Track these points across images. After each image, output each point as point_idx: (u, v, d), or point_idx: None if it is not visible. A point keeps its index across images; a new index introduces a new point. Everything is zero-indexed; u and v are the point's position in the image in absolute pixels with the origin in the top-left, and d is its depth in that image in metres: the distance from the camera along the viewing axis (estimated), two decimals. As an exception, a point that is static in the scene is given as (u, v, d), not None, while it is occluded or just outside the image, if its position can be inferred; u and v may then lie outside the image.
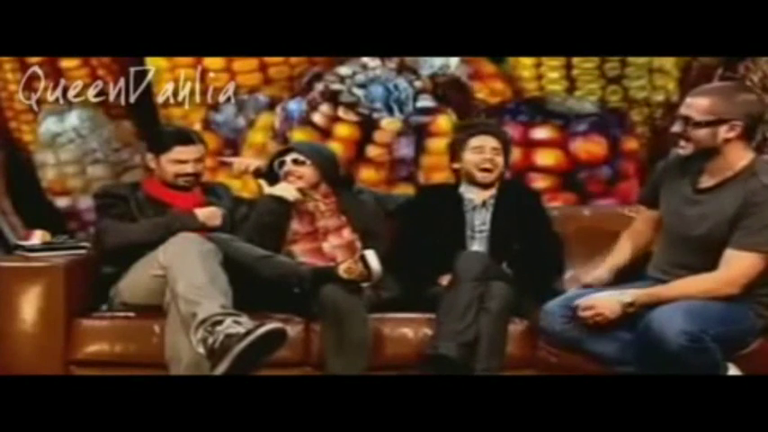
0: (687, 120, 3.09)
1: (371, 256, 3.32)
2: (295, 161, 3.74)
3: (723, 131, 3.06)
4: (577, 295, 3.20)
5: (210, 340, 3.03)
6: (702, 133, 3.07)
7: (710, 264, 3.07)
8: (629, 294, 3.10)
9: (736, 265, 3.04)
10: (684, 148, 3.11)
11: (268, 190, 3.73)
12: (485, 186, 3.69)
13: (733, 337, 3.05)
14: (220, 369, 2.99)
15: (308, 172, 3.73)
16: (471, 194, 3.71)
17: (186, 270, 3.21)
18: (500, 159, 3.69)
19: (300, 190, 3.71)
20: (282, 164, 3.76)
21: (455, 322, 3.27)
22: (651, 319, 2.99)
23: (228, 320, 3.06)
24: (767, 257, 3.03)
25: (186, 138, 3.75)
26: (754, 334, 3.13)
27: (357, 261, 3.34)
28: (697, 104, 3.09)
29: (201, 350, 3.05)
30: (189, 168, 3.69)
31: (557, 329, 3.20)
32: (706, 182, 3.13)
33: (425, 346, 3.32)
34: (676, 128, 3.12)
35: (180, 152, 3.68)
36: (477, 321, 3.28)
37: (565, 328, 3.18)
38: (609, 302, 3.10)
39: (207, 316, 3.07)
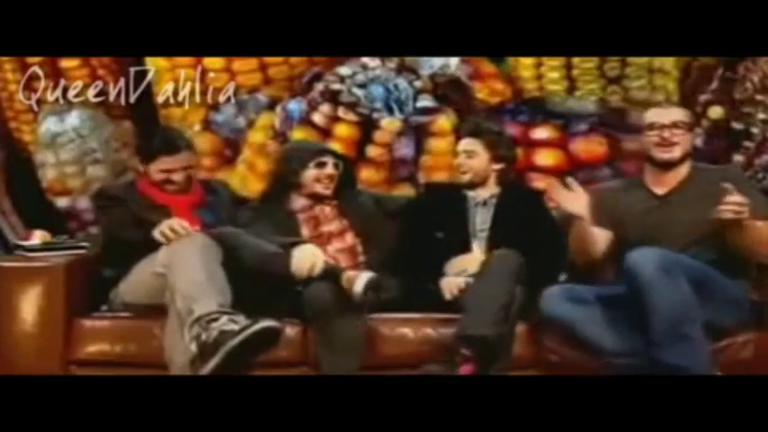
0: (677, 124, 3.41)
1: (360, 282, 3.28)
2: (336, 166, 3.74)
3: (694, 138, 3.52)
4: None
5: (204, 336, 3.02)
6: (688, 137, 3.44)
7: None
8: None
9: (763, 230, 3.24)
10: (673, 152, 3.41)
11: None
12: (483, 186, 3.76)
13: (714, 294, 3.16)
14: (211, 364, 2.97)
15: (336, 176, 3.74)
16: (473, 192, 3.75)
17: (186, 266, 3.20)
18: (474, 162, 3.74)
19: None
20: (323, 165, 3.75)
21: (494, 312, 3.25)
22: (630, 254, 3.16)
23: (224, 318, 3.05)
24: None
25: (172, 146, 3.62)
26: (742, 311, 3.26)
27: (350, 278, 3.32)
28: (672, 113, 3.47)
29: (193, 347, 3.03)
30: (176, 177, 3.60)
31: (555, 311, 3.25)
32: (661, 190, 3.45)
33: (426, 344, 3.33)
34: (666, 134, 3.41)
35: (165, 162, 3.59)
36: (505, 320, 3.27)
37: (564, 309, 3.23)
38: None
39: (203, 313, 3.07)
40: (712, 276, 3.19)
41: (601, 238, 3.42)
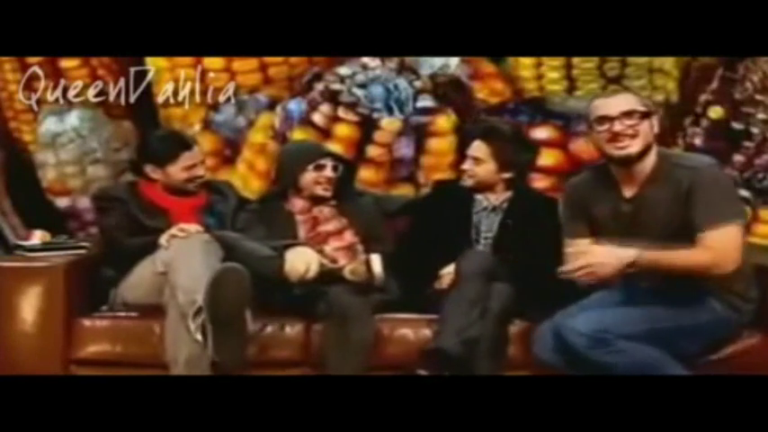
0: (628, 114, 3.06)
1: (376, 261, 3.32)
2: (335, 168, 3.74)
3: (654, 124, 3.11)
4: (570, 316, 3.09)
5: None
6: (646, 126, 3.07)
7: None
8: (633, 253, 2.96)
9: (722, 242, 2.97)
10: (629, 147, 3.06)
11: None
12: (492, 191, 3.72)
13: (682, 333, 3.01)
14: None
15: (334, 179, 3.74)
16: (481, 196, 3.73)
17: (187, 263, 3.22)
18: (480, 169, 3.69)
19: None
20: (321, 167, 3.74)
21: (459, 318, 3.23)
22: (555, 322, 3.04)
23: None
24: (740, 227, 3.02)
25: (186, 143, 3.76)
26: (730, 327, 3.13)
27: (363, 263, 3.34)
28: (620, 101, 3.11)
29: (199, 336, 3.07)
30: (200, 171, 3.72)
31: (545, 357, 3.13)
32: (629, 191, 3.13)
33: (425, 345, 3.29)
34: (617, 128, 3.05)
35: (188, 158, 3.69)
36: (482, 319, 3.26)
37: (554, 356, 3.10)
38: (607, 257, 2.98)
39: None
40: (666, 317, 3.01)
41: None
